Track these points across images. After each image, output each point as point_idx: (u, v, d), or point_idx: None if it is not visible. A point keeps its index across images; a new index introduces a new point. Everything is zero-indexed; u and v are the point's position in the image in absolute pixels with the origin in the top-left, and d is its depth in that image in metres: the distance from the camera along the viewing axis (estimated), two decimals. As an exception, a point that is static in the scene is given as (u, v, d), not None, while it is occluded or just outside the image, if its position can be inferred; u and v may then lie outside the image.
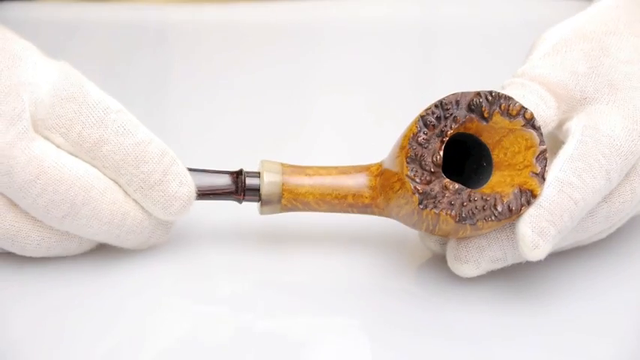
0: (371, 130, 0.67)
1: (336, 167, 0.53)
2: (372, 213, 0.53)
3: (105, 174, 0.52)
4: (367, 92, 0.72)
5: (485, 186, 0.50)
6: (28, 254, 0.53)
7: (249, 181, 0.53)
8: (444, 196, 0.50)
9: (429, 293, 0.53)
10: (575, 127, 0.51)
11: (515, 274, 0.53)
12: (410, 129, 0.50)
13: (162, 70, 0.74)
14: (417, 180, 0.50)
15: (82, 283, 0.53)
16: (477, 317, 0.51)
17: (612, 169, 0.50)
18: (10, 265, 0.54)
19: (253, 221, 0.58)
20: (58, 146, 0.51)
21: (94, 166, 0.52)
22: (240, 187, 0.53)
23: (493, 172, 0.51)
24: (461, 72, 0.74)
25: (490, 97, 0.50)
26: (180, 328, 0.51)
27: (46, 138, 0.51)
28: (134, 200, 0.52)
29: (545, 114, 0.52)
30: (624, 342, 0.50)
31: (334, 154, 0.61)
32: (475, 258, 0.51)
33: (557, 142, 0.55)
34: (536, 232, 0.48)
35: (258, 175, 0.53)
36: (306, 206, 0.53)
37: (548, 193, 0.49)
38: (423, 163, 0.50)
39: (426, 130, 0.50)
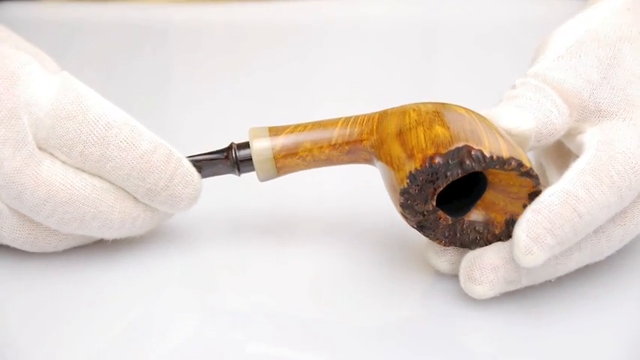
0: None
1: (328, 140, 0.52)
2: None
3: (113, 183, 0.52)
4: (368, 91, 0.72)
5: (479, 203, 0.50)
6: (48, 251, 0.53)
7: (241, 153, 0.53)
8: (438, 227, 0.50)
9: (435, 301, 0.52)
10: (589, 142, 0.50)
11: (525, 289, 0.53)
12: (399, 177, 0.49)
13: (164, 70, 0.74)
14: (411, 218, 0.50)
15: (80, 277, 0.53)
16: (483, 326, 0.51)
17: (625, 187, 0.49)
18: (8, 258, 0.54)
19: (255, 217, 0.58)
20: (64, 162, 0.51)
21: (101, 177, 0.51)
22: (233, 161, 0.53)
23: (487, 189, 0.50)
24: (461, 71, 0.74)
25: (484, 163, 0.48)
26: (175, 334, 0.51)
27: (52, 154, 0.51)
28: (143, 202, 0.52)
29: (557, 121, 0.51)
30: None
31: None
32: (490, 279, 0.50)
33: (564, 150, 0.55)
34: (530, 238, 0.47)
35: (248, 145, 0.53)
36: (302, 169, 0.53)
37: (551, 201, 0.48)
38: (416, 207, 0.49)
39: (417, 182, 0.49)
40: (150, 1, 0.81)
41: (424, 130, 0.49)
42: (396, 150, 0.50)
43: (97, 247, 0.54)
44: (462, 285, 0.50)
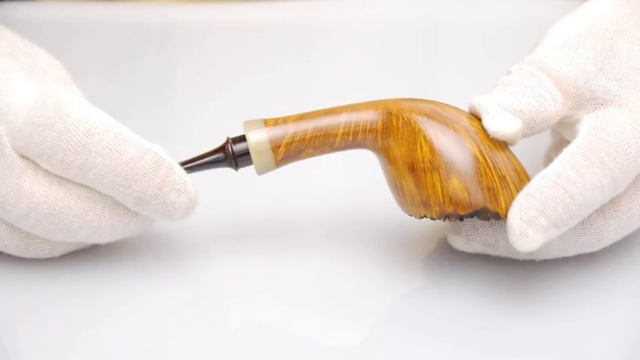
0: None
1: (331, 146, 0.52)
2: None
3: (100, 193, 0.50)
4: (369, 92, 0.72)
5: None
6: (43, 257, 0.53)
7: (237, 148, 0.52)
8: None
9: (431, 294, 0.53)
10: (582, 128, 0.51)
11: (523, 273, 0.53)
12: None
13: (165, 70, 0.74)
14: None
15: (82, 285, 0.53)
16: (485, 319, 0.51)
17: (617, 169, 0.49)
18: (10, 269, 0.53)
19: (254, 220, 0.58)
20: (47, 171, 0.50)
21: (87, 186, 0.50)
22: (230, 156, 0.52)
23: None
24: (463, 71, 0.74)
25: (497, 220, 0.50)
26: (179, 346, 0.50)
27: (35, 162, 0.50)
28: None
29: (551, 108, 0.51)
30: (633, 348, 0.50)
31: (337, 153, 0.62)
32: (467, 233, 0.51)
33: (563, 142, 0.55)
34: (524, 220, 0.47)
35: (243, 139, 0.52)
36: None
37: (542, 183, 0.48)
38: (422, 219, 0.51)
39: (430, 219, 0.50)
40: (151, 0, 0.81)
41: (440, 179, 0.50)
42: (410, 185, 0.50)
43: (98, 257, 0.54)
44: (447, 233, 0.53)
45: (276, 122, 0.52)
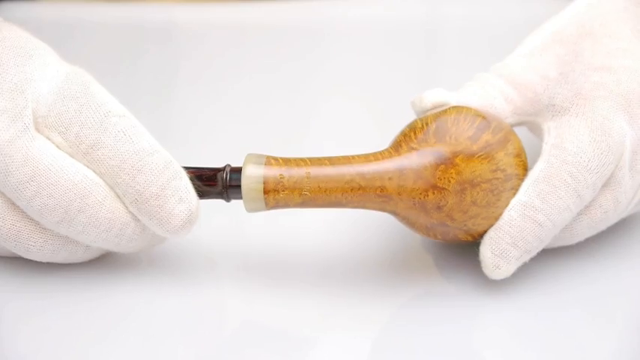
0: (374, 131, 0.67)
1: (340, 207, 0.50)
2: None
3: (104, 181, 0.50)
4: (370, 92, 0.72)
5: None
6: (32, 257, 0.51)
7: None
8: None
9: (432, 286, 0.53)
10: (544, 146, 0.51)
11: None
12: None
13: (166, 70, 0.74)
14: None
15: (84, 298, 0.52)
16: (489, 314, 0.52)
17: (582, 187, 0.50)
18: (17, 279, 0.53)
19: (256, 225, 0.58)
20: (58, 146, 0.50)
21: (93, 171, 0.50)
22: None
23: None
24: (463, 72, 0.74)
25: None
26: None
27: (48, 137, 0.50)
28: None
29: (500, 107, 0.53)
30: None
31: (337, 154, 0.62)
32: None
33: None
34: (496, 254, 0.50)
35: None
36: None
37: (510, 216, 0.50)
38: None
39: None
40: (152, 0, 0.81)
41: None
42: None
43: (99, 267, 0.54)
44: None
45: (276, 200, 0.49)
